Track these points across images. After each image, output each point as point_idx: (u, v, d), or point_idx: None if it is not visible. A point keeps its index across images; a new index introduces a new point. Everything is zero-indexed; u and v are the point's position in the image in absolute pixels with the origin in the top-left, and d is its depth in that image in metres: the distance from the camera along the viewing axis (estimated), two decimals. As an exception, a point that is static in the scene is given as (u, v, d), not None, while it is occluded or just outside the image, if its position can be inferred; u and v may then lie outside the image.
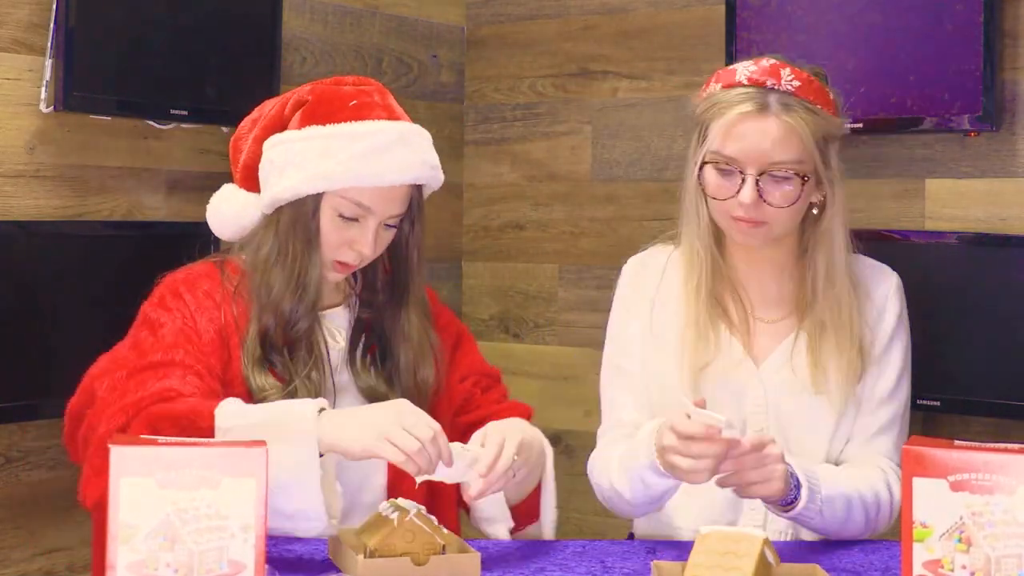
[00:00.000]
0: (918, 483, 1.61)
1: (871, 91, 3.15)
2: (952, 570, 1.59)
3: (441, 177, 2.22)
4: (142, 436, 1.77)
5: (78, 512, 3.01)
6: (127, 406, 2.00)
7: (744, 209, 2.11)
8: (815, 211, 2.18)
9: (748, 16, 3.32)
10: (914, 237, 3.12)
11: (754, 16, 3.32)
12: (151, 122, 3.10)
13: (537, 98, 3.81)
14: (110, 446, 1.56)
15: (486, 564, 1.86)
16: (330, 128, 2.12)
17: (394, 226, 2.16)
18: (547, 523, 2.21)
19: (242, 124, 2.25)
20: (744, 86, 2.12)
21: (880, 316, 2.23)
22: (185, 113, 3.10)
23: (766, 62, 2.15)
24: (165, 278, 2.19)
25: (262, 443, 1.62)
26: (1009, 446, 1.61)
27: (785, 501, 2.01)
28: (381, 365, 2.20)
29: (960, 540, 1.59)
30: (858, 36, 3.19)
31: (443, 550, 1.82)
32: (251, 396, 2.09)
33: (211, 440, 1.67)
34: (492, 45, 3.88)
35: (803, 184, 2.12)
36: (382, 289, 2.24)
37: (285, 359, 2.12)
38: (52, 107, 2.89)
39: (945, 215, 3.17)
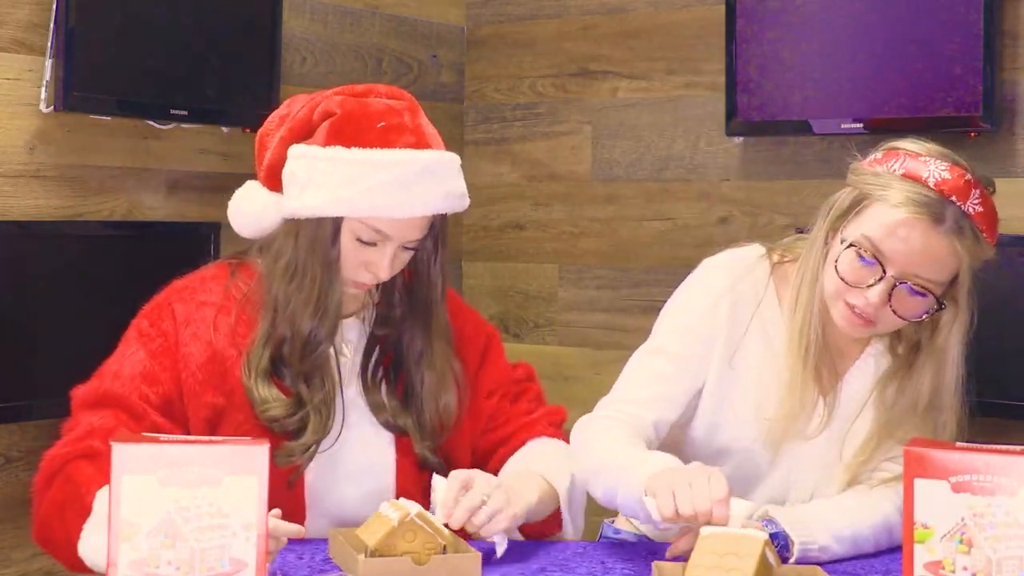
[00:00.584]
0: (919, 484, 1.61)
1: (871, 91, 3.15)
2: (953, 571, 1.59)
3: (467, 203, 2.15)
4: (144, 434, 1.77)
5: (78, 512, 3.01)
6: (56, 457, 2.03)
7: (866, 305, 2.00)
8: (924, 317, 2.05)
9: (748, 16, 3.32)
10: (914, 237, 3.11)
11: (754, 16, 3.32)
12: (151, 122, 3.10)
13: (537, 98, 3.81)
14: (112, 444, 1.56)
15: (486, 564, 1.85)
16: (355, 153, 2.03)
17: (413, 248, 2.11)
18: (571, 532, 2.20)
19: (270, 119, 2.16)
20: (927, 187, 1.97)
21: None
22: (185, 113, 3.10)
23: (960, 173, 1.99)
24: (168, 286, 2.15)
25: (264, 441, 1.62)
26: (1010, 447, 1.61)
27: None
28: (394, 383, 2.17)
29: (961, 541, 1.59)
30: (858, 36, 3.19)
31: (444, 550, 1.82)
32: (253, 407, 2.05)
33: (213, 438, 1.67)
34: (492, 45, 3.88)
35: (937, 306, 2.02)
36: (399, 304, 2.19)
37: (295, 375, 2.08)
38: (52, 107, 2.89)
39: (945, 215, 3.17)
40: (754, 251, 2.20)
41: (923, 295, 2.00)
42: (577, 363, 3.67)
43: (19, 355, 2.82)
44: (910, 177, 1.99)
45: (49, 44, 2.88)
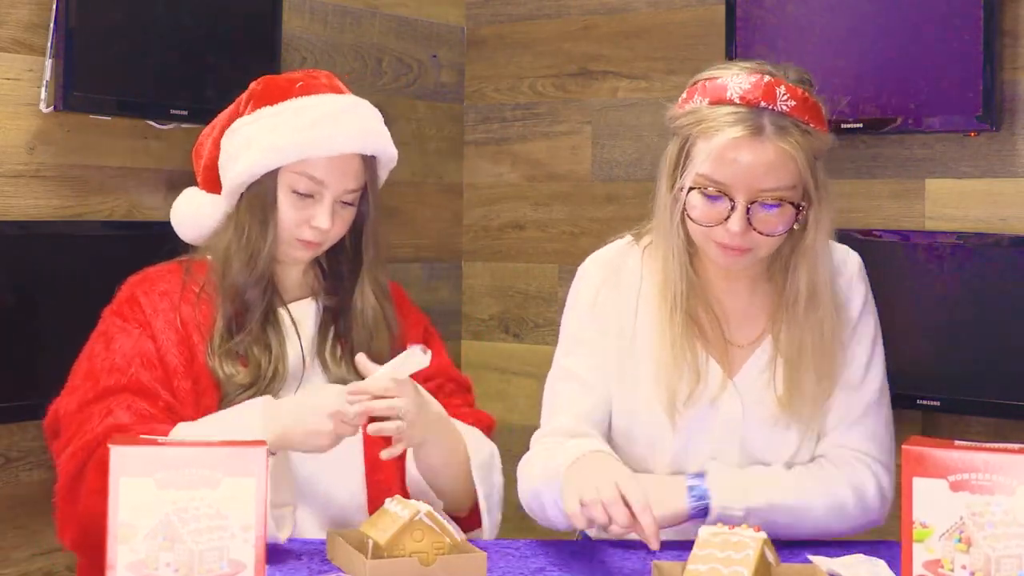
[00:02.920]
0: (918, 483, 1.62)
1: (871, 91, 3.15)
2: (952, 570, 1.59)
3: (393, 151, 2.25)
4: (141, 436, 1.77)
5: (78, 512, 3.01)
6: (78, 450, 2.04)
7: (732, 237, 1.99)
8: (796, 226, 2.04)
9: (748, 16, 3.32)
10: (914, 237, 3.12)
11: (754, 16, 3.32)
12: (151, 122, 3.10)
13: (537, 98, 3.81)
14: (109, 447, 1.56)
15: (487, 564, 1.86)
16: (278, 107, 2.18)
17: (351, 203, 2.19)
18: (488, 528, 2.22)
19: (202, 133, 2.30)
20: (735, 104, 1.99)
21: (846, 301, 2.14)
22: (185, 113, 3.10)
23: (758, 77, 2.00)
24: (125, 282, 2.23)
25: (262, 443, 1.62)
26: (1009, 446, 1.61)
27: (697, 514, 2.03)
28: (352, 356, 2.19)
29: (960, 540, 1.59)
30: (858, 36, 3.19)
31: (450, 550, 1.82)
32: (219, 387, 2.12)
33: (211, 440, 1.67)
34: (492, 45, 3.88)
35: (796, 211, 2.01)
36: (345, 276, 2.27)
37: (249, 341, 2.15)
38: (52, 107, 2.89)
39: (945, 215, 3.17)
40: (621, 240, 2.24)
41: (779, 205, 1.99)
42: (577, 363, 3.67)
43: (19, 355, 2.82)
44: (716, 102, 2.00)
45: (49, 44, 2.88)
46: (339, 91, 2.23)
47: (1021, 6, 3.07)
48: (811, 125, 2.00)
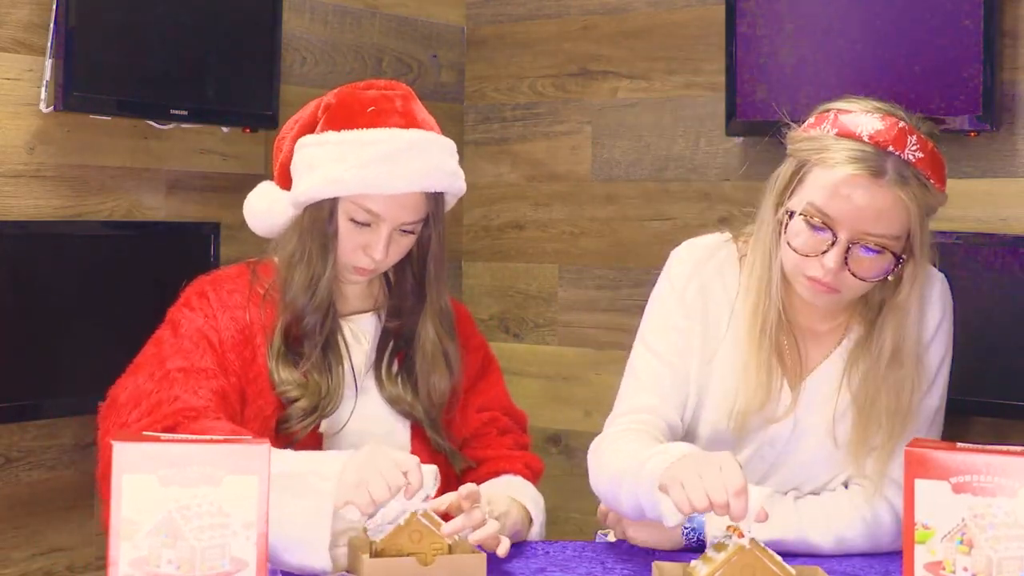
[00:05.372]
0: (920, 485, 1.61)
1: (871, 91, 3.14)
2: (953, 572, 1.59)
3: (462, 185, 2.21)
4: (144, 433, 1.77)
5: (78, 512, 3.01)
6: (161, 418, 2.01)
7: (825, 273, 1.96)
8: (891, 278, 2.02)
9: (748, 16, 3.32)
10: (914, 237, 3.11)
11: (754, 16, 3.32)
12: (151, 122, 3.10)
13: (537, 98, 3.81)
14: (112, 443, 1.56)
15: (487, 564, 1.86)
16: (344, 134, 2.12)
17: (411, 231, 2.16)
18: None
19: (286, 123, 2.28)
20: (863, 142, 1.94)
21: (918, 322, 2.10)
22: (185, 113, 3.10)
23: (893, 121, 1.97)
24: (194, 280, 2.21)
25: (264, 440, 1.62)
26: (1011, 448, 1.61)
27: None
28: (408, 374, 2.20)
29: (962, 542, 1.59)
30: (858, 36, 3.19)
31: (449, 551, 1.82)
32: (274, 389, 2.11)
33: (213, 437, 1.68)
34: (492, 45, 3.88)
35: (895, 262, 1.98)
36: (410, 294, 2.24)
37: (304, 356, 2.14)
38: (52, 107, 2.89)
39: (945, 215, 3.14)
40: (718, 237, 2.20)
41: (879, 252, 1.97)
42: (577, 363, 3.67)
43: (19, 355, 2.81)
44: (844, 135, 1.96)
45: (49, 44, 2.87)
46: (411, 119, 2.16)
47: (1021, 6, 3.07)
48: (932, 181, 1.98)
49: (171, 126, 3.13)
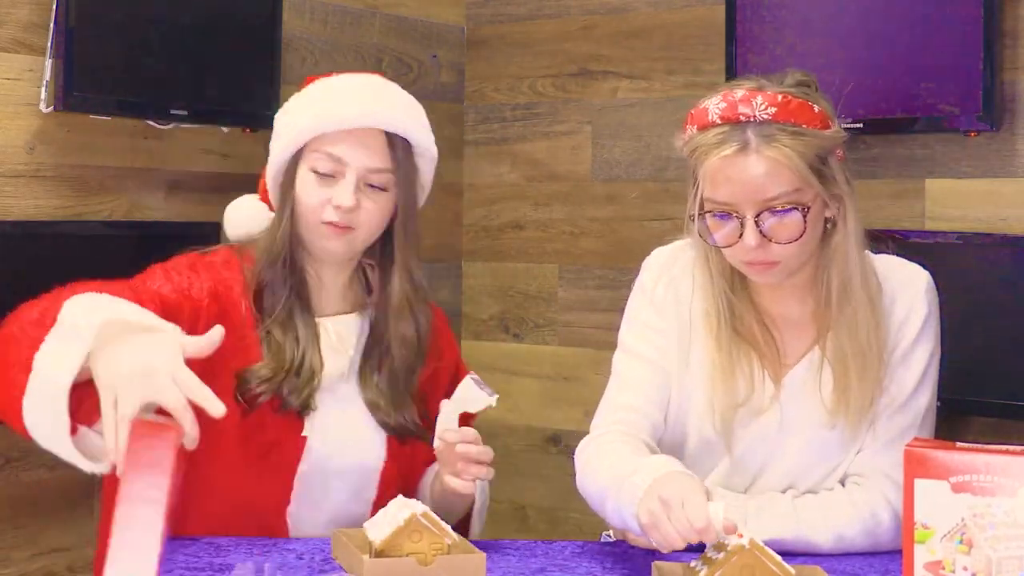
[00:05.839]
0: (920, 484, 1.62)
1: (871, 91, 3.15)
2: (953, 572, 1.59)
3: (425, 137, 2.18)
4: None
5: (78, 512, 3.01)
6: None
7: (750, 252, 2.00)
8: (829, 226, 2.06)
9: (748, 16, 3.32)
10: (914, 237, 3.11)
11: (754, 16, 3.32)
12: (151, 122, 3.10)
13: (537, 98, 3.81)
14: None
15: (487, 564, 1.86)
16: (303, 91, 2.18)
17: (381, 187, 2.13)
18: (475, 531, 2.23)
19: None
20: (718, 125, 2.00)
21: (905, 320, 2.14)
22: (185, 113, 3.10)
23: (736, 93, 2.01)
24: (187, 252, 2.17)
25: None
26: (1011, 447, 1.61)
27: None
28: (388, 377, 2.19)
29: (961, 542, 1.59)
30: (858, 36, 3.19)
31: (448, 551, 1.82)
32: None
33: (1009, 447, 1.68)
34: (492, 45, 3.88)
35: (806, 214, 2.00)
36: (378, 274, 2.23)
37: (273, 324, 2.12)
38: (52, 107, 2.89)
39: (945, 215, 3.17)
40: (684, 242, 2.21)
41: (787, 211, 1.99)
42: (577, 363, 3.68)
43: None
44: (703, 127, 2.01)
45: (49, 44, 2.88)
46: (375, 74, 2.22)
47: (1021, 6, 3.07)
48: (803, 125, 2.00)
49: (171, 126, 3.13)
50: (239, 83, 3.20)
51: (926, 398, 2.15)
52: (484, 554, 1.84)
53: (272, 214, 2.19)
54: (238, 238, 2.23)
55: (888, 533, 2.06)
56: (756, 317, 2.13)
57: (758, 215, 1.99)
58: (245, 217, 2.23)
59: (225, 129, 3.25)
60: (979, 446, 1.63)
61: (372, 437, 2.17)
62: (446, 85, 3.86)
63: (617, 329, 2.25)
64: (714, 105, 2.02)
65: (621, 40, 3.67)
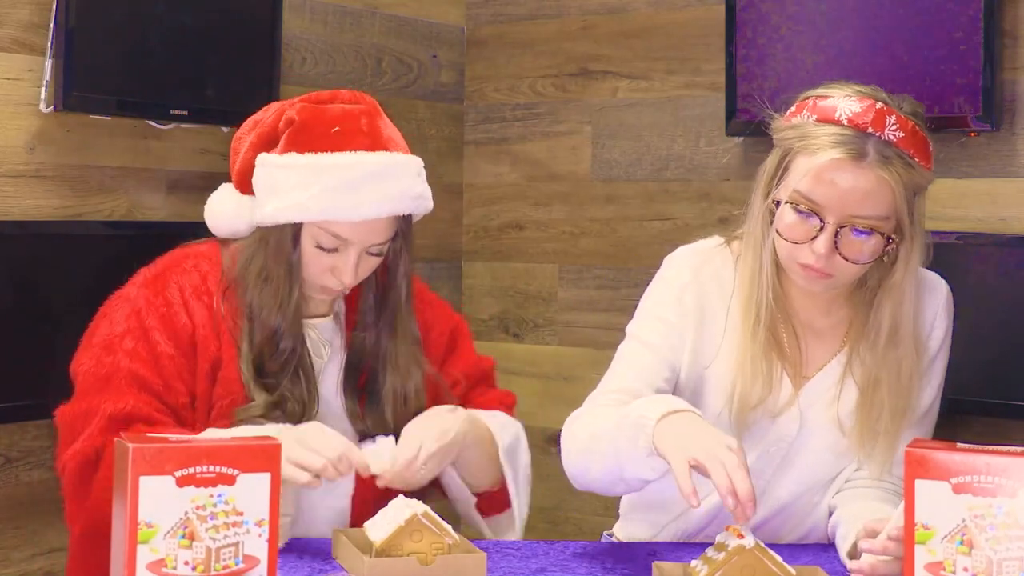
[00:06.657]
0: (920, 485, 1.62)
1: (871, 91, 3.15)
2: (954, 572, 1.59)
3: (429, 205, 2.19)
4: (149, 435, 1.77)
5: (78, 512, 3.01)
6: (87, 448, 2.03)
7: (816, 259, 1.98)
8: (884, 259, 2.04)
9: (748, 16, 3.32)
10: (914, 237, 3.11)
11: (754, 16, 3.32)
12: (151, 122, 3.10)
13: (537, 98, 3.81)
14: (129, 446, 1.56)
15: (487, 565, 1.86)
16: (307, 158, 2.09)
17: (379, 253, 2.15)
18: (518, 517, 2.22)
19: (245, 123, 2.25)
20: (842, 125, 1.96)
21: (929, 335, 2.14)
22: (185, 113, 3.10)
23: (870, 103, 1.98)
24: (164, 257, 2.20)
25: (276, 440, 1.64)
26: (1011, 448, 1.61)
27: None
28: (371, 391, 2.20)
29: (962, 543, 1.59)
30: (858, 36, 3.19)
31: (449, 550, 1.82)
32: (246, 400, 2.10)
33: (223, 439, 1.69)
34: (492, 45, 3.88)
35: (885, 243, 1.99)
36: (371, 309, 2.23)
37: (277, 377, 2.13)
38: (52, 107, 2.89)
39: (945, 215, 3.17)
40: (711, 241, 2.21)
41: (868, 234, 1.98)
42: (577, 363, 3.67)
43: (19, 355, 2.81)
44: (824, 120, 1.98)
45: (49, 44, 2.87)
46: (377, 140, 2.12)
47: (1021, 6, 3.07)
48: (916, 160, 1.98)
49: (171, 126, 3.13)
50: (239, 83, 3.19)
51: (937, 405, 2.18)
52: (484, 554, 1.84)
53: (248, 199, 2.18)
54: (226, 233, 2.23)
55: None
56: (785, 319, 2.12)
57: (842, 226, 1.97)
58: (232, 216, 2.21)
59: (225, 129, 3.25)
60: (980, 447, 1.63)
61: (346, 429, 2.17)
62: (446, 85, 3.85)
63: (617, 329, 2.25)
64: (845, 106, 1.98)
65: (621, 40, 3.67)
